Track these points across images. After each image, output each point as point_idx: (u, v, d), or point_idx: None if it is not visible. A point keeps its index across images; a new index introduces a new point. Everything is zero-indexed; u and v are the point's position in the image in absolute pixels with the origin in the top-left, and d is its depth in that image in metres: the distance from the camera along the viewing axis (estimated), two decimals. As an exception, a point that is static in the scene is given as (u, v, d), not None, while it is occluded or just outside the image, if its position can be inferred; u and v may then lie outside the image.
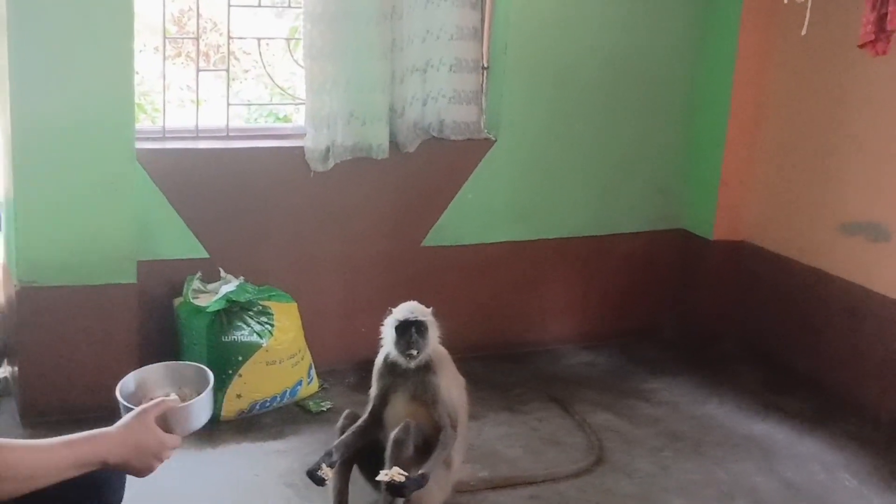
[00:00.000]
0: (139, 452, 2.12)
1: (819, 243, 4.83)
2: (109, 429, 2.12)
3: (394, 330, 3.30)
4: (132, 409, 2.19)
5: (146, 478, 2.18)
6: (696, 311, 5.36)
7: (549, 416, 4.44)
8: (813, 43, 4.51)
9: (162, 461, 2.17)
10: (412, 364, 3.28)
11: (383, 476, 3.11)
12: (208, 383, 2.35)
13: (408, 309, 3.33)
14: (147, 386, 2.39)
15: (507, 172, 4.96)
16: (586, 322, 5.30)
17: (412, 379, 3.33)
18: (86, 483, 2.10)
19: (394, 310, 3.36)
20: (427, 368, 3.33)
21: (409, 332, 3.27)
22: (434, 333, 3.34)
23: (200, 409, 2.29)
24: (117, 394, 2.30)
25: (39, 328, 4.01)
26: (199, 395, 2.31)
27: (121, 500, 2.28)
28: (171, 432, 2.20)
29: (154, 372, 2.45)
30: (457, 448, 3.39)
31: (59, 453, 2.02)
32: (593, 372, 5.00)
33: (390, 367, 3.36)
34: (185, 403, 2.27)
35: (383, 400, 3.37)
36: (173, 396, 2.31)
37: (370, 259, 4.76)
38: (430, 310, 3.36)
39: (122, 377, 2.37)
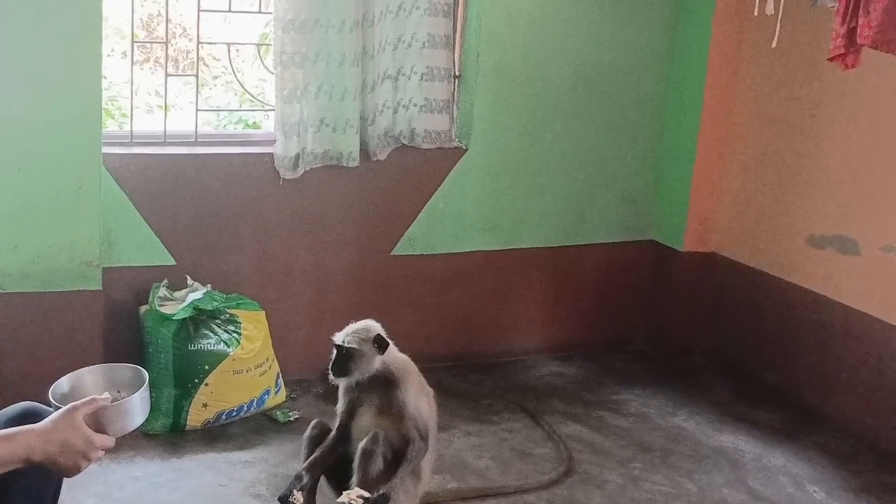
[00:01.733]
0: (65, 450, 2.09)
1: (789, 255, 4.85)
2: (34, 426, 2.10)
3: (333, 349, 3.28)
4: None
5: (79, 481, 2.22)
6: (667, 323, 5.37)
7: (518, 427, 4.42)
8: (783, 55, 4.54)
9: (90, 461, 2.14)
10: (334, 382, 3.26)
11: (343, 498, 3.08)
12: (143, 383, 2.33)
13: (349, 330, 3.28)
14: (82, 388, 2.37)
15: (477, 182, 4.94)
16: (557, 332, 5.29)
17: (377, 393, 3.30)
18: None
19: (347, 326, 3.32)
20: (390, 383, 3.29)
21: (336, 355, 3.24)
22: (370, 359, 3.24)
23: (134, 409, 2.27)
24: (49, 395, 2.28)
25: (3, 334, 3.95)
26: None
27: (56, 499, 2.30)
28: (103, 432, 2.17)
29: (90, 373, 2.43)
30: (426, 459, 3.35)
31: None
32: (563, 383, 4.99)
33: (355, 382, 3.32)
34: (117, 402, 2.24)
35: (350, 415, 3.34)
36: (106, 395, 2.27)
37: (340, 268, 4.73)
38: (374, 334, 3.26)
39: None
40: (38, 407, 2.32)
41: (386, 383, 3.28)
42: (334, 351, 3.24)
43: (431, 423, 3.39)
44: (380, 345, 3.25)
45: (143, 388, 2.31)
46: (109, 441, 2.18)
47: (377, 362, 3.26)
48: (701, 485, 4.00)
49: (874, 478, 4.12)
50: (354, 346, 3.23)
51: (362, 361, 3.23)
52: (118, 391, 2.37)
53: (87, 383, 2.40)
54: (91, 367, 2.47)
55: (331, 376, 3.25)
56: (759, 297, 5.02)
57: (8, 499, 2.23)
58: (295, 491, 3.15)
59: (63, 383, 2.37)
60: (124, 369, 2.47)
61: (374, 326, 3.31)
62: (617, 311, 5.41)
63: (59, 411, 2.14)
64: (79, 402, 2.17)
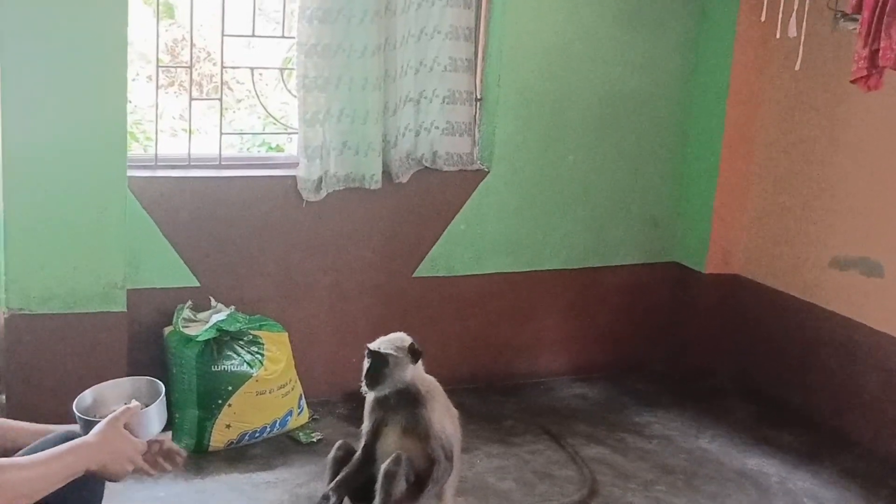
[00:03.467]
0: (115, 457, 2.35)
1: (812, 277, 4.83)
2: (87, 438, 2.35)
3: (365, 356, 3.29)
4: (89, 420, 2.42)
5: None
6: (689, 345, 5.35)
7: (541, 449, 4.41)
8: (806, 77, 4.54)
9: (134, 465, 2.39)
10: (367, 393, 3.25)
11: None
12: (160, 394, 2.52)
13: (383, 339, 3.30)
14: (104, 400, 2.56)
15: (499, 204, 4.95)
16: (578, 354, 5.28)
17: (402, 412, 3.30)
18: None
19: (378, 339, 3.34)
20: (416, 401, 3.30)
21: (370, 361, 3.25)
22: (403, 367, 3.27)
23: (153, 418, 2.48)
24: (73, 407, 2.46)
25: (28, 356, 3.97)
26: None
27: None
28: None
29: (110, 387, 2.61)
30: (449, 481, 3.35)
31: (51, 467, 2.25)
32: (585, 405, 4.97)
33: (381, 402, 3.33)
34: (143, 410, 2.44)
35: (375, 435, 3.34)
36: (135, 403, 2.47)
37: (362, 289, 4.74)
38: (408, 343, 3.30)
39: None
40: (75, 432, 2.46)
41: (412, 402, 3.29)
42: (368, 359, 3.24)
43: (456, 443, 3.39)
44: (413, 354, 3.27)
45: (160, 398, 2.50)
46: (144, 446, 2.42)
47: (409, 373, 3.27)
48: (725, 508, 3.98)
49: (900, 501, 4.09)
50: (391, 352, 3.24)
51: (396, 369, 3.24)
52: (137, 402, 2.52)
53: (108, 396, 2.58)
54: (110, 381, 2.64)
55: (363, 386, 3.22)
56: (782, 319, 5.00)
57: None
58: None
59: (86, 396, 2.55)
60: (142, 381, 2.64)
61: (406, 337, 3.33)
62: (639, 332, 5.40)
63: (103, 423, 2.36)
64: (118, 412, 2.40)
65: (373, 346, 3.27)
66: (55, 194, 3.92)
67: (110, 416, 2.38)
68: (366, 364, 3.26)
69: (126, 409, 2.41)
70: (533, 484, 4.10)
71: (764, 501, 4.04)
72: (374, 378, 3.22)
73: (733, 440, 4.61)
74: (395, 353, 3.24)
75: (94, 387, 2.60)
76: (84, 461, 2.30)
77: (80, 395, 2.55)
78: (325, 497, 3.22)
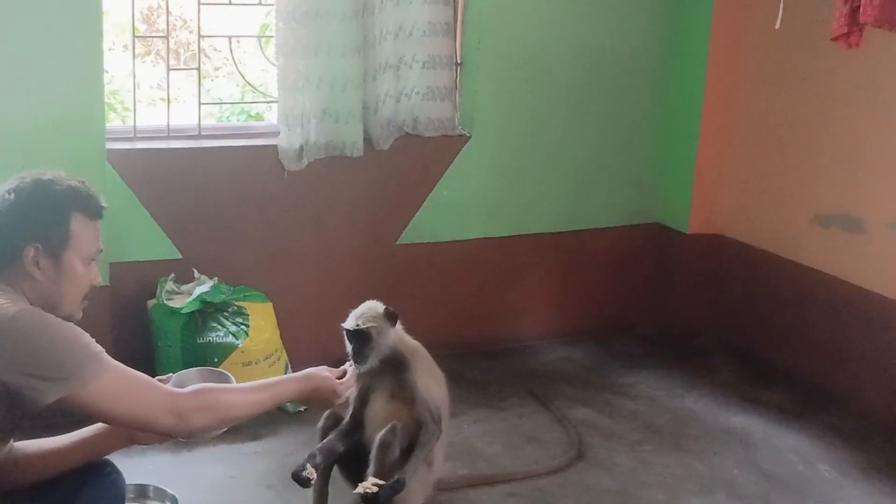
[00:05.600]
0: (318, 394, 2.76)
1: (795, 235, 4.84)
2: (295, 375, 2.78)
3: (345, 337, 3.27)
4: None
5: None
6: (673, 305, 5.37)
7: (527, 413, 4.44)
8: (786, 36, 4.52)
9: (339, 397, 2.84)
10: (360, 370, 3.23)
11: (359, 489, 3.10)
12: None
13: (356, 314, 3.27)
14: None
15: (481, 169, 4.94)
16: (563, 317, 5.29)
17: (388, 378, 3.30)
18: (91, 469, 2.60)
19: (351, 311, 3.32)
20: (401, 366, 3.29)
21: (353, 341, 3.23)
22: (386, 335, 3.26)
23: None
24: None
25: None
26: None
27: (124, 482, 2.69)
28: None
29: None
30: (438, 446, 3.36)
31: (261, 395, 2.59)
32: (571, 367, 5.00)
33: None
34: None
35: (363, 401, 3.34)
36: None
37: (345, 257, 4.73)
38: (381, 309, 3.30)
39: None
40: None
41: (397, 366, 3.29)
42: (351, 339, 3.23)
43: (444, 406, 3.39)
44: (391, 318, 3.26)
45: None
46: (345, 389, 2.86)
47: (391, 338, 3.26)
48: (711, 466, 4.01)
49: (883, 456, 4.12)
50: (371, 324, 3.23)
51: (380, 339, 3.23)
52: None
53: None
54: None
55: (356, 367, 3.20)
56: (765, 277, 5.02)
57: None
58: (308, 465, 3.15)
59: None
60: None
61: (377, 304, 3.31)
62: (623, 294, 5.42)
63: (312, 369, 2.78)
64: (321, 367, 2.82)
65: (350, 324, 3.25)
66: (33, 168, 3.87)
67: (322, 367, 2.81)
68: (349, 344, 3.25)
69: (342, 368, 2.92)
70: (520, 447, 4.12)
71: (749, 458, 4.08)
72: (363, 355, 3.21)
73: (718, 399, 4.64)
74: (374, 325, 3.23)
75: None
76: (292, 394, 2.71)
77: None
78: (312, 455, 3.22)
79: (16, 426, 2.38)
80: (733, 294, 5.20)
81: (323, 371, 2.80)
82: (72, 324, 2.36)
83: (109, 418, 2.41)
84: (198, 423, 2.43)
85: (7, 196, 2.39)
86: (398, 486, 3.13)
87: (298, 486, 3.16)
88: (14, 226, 2.37)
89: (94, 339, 2.34)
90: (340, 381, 2.85)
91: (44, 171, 2.46)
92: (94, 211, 2.47)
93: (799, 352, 4.83)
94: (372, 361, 3.24)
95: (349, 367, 3.02)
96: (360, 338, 3.22)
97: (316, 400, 2.82)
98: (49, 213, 2.39)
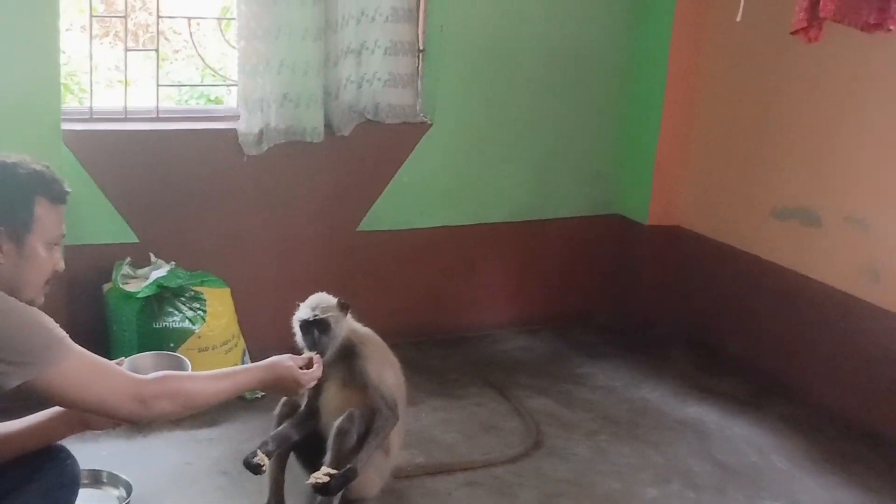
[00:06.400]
0: (281, 384, 2.78)
1: (753, 228, 4.88)
2: (259, 364, 2.76)
3: (298, 329, 3.25)
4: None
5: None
6: (632, 296, 5.40)
7: (485, 402, 4.44)
8: (747, 29, 4.55)
9: (302, 387, 2.85)
10: (324, 358, 3.20)
11: (311, 480, 3.11)
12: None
13: (310, 305, 3.26)
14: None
15: (443, 156, 4.93)
16: (522, 307, 5.30)
17: (340, 366, 3.28)
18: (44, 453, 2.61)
19: (301, 304, 3.29)
20: (352, 354, 3.28)
21: (311, 331, 3.21)
22: (341, 324, 3.25)
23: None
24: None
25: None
26: None
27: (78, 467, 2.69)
28: None
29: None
30: (395, 433, 3.35)
31: (223, 384, 2.60)
32: (530, 357, 5.01)
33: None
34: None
35: (317, 390, 3.32)
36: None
37: (305, 244, 4.70)
38: (335, 301, 3.28)
39: None
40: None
41: (347, 355, 3.27)
42: (308, 329, 3.20)
43: (399, 394, 3.39)
44: (343, 308, 3.25)
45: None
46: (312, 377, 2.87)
47: (345, 328, 3.25)
48: (667, 456, 4.03)
49: (836, 447, 4.17)
50: (329, 314, 3.21)
51: (337, 328, 3.22)
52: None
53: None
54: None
55: (320, 356, 3.16)
56: (723, 269, 5.06)
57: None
58: (259, 452, 3.13)
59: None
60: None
61: (327, 295, 3.30)
62: (582, 284, 5.43)
63: (278, 357, 2.78)
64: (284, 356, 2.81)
65: (306, 315, 3.22)
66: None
67: (286, 356, 2.80)
68: (302, 336, 3.22)
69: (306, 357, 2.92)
70: (478, 436, 4.12)
71: (704, 448, 4.11)
72: (322, 345, 3.19)
73: (675, 390, 4.67)
74: (332, 314, 3.22)
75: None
76: (254, 383, 2.73)
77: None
78: (264, 443, 3.21)
79: None
80: (691, 285, 5.24)
81: (286, 360, 2.78)
82: (35, 308, 2.34)
83: (72, 403, 2.38)
84: (161, 409, 2.43)
85: None
86: (350, 475, 3.12)
87: (252, 474, 3.14)
88: None
89: (57, 324, 2.31)
90: (304, 370, 2.84)
91: (8, 155, 2.42)
92: (58, 195, 2.45)
93: (755, 343, 4.87)
94: (331, 350, 3.22)
95: (314, 356, 2.98)
96: (320, 327, 3.20)
97: (278, 388, 2.82)
98: (13, 197, 2.37)
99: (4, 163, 2.39)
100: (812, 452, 4.12)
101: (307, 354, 3.00)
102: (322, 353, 3.13)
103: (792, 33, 4.03)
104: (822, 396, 4.49)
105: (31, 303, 2.37)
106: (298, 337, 3.26)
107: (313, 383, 2.90)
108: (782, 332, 4.72)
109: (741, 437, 4.23)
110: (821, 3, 3.84)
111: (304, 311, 3.24)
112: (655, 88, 5.14)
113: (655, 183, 5.24)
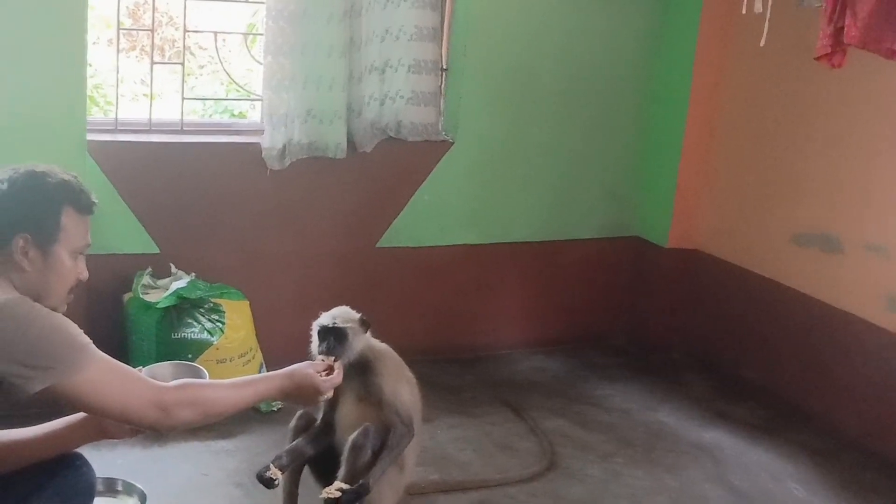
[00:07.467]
0: (301, 393, 2.75)
1: (772, 253, 4.86)
2: (279, 372, 2.72)
3: (315, 334, 3.26)
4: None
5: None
6: (649, 319, 5.38)
7: (501, 421, 4.43)
8: (770, 54, 4.55)
9: (323, 396, 2.85)
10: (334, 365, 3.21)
11: (323, 494, 3.09)
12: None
13: (331, 315, 3.27)
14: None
15: (463, 175, 4.94)
16: (539, 327, 5.29)
17: (355, 381, 3.28)
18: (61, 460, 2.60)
19: (322, 313, 3.31)
20: (368, 369, 3.28)
21: (327, 338, 3.21)
22: (359, 338, 3.24)
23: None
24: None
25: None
26: None
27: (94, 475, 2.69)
28: None
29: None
30: (410, 449, 3.35)
31: (244, 392, 2.59)
32: (545, 377, 5.00)
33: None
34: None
35: (332, 404, 3.33)
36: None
37: (324, 259, 4.72)
38: (358, 316, 3.29)
39: None
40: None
41: (364, 370, 3.28)
42: (325, 336, 3.21)
43: (415, 410, 3.38)
44: (364, 325, 3.26)
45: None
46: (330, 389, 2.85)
47: (362, 343, 3.25)
48: (682, 480, 4.01)
49: (854, 475, 4.14)
50: (348, 324, 3.22)
51: (354, 341, 3.22)
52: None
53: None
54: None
55: (330, 359, 3.17)
56: (742, 294, 5.04)
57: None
58: (272, 466, 3.14)
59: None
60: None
61: (350, 310, 3.31)
62: (600, 306, 5.42)
63: (298, 365, 2.77)
64: (314, 364, 2.85)
65: (326, 322, 3.23)
66: (13, 158, 3.81)
67: (305, 363, 2.81)
68: (318, 343, 3.22)
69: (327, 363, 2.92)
70: (493, 455, 4.11)
71: (719, 473, 4.09)
72: (336, 355, 3.19)
73: (691, 414, 4.65)
74: (351, 326, 3.22)
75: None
76: (274, 391, 2.70)
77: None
78: (278, 457, 3.21)
79: (2, 415, 2.37)
80: (709, 309, 5.22)
81: (306, 367, 2.78)
82: (60, 314, 2.36)
83: (94, 409, 2.39)
84: (182, 417, 2.43)
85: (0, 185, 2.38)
86: (362, 491, 3.11)
87: (265, 488, 3.15)
88: (5, 215, 2.37)
89: (81, 331, 2.33)
90: (324, 377, 2.83)
91: (37, 164, 2.45)
92: (85, 206, 2.47)
93: (772, 369, 4.85)
94: (343, 362, 3.23)
95: (334, 362, 2.98)
96: (336, 336, 3.20)
97: (298, 397, 2.79)
98: (41, 205, 2.39)
99: (34, 172, 2.42)
100: (829, 480, 4.09)
101: (327, 360, 2.98)
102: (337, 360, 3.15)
103: (816, 59, 4.04)
104: (840, 423, 4.47)
105: (54, 310, 2.38)
106: (314, 342, 3.26)
107: (332, 392, 2.88)
108: (800, 358, 4.70)
109: (757, 463, 4.20)
110: (845, 29, 3.85)
111: (324, 318, 3.26)
112: (678, 111, 5.15)
113: (676, 206, 5.23)
